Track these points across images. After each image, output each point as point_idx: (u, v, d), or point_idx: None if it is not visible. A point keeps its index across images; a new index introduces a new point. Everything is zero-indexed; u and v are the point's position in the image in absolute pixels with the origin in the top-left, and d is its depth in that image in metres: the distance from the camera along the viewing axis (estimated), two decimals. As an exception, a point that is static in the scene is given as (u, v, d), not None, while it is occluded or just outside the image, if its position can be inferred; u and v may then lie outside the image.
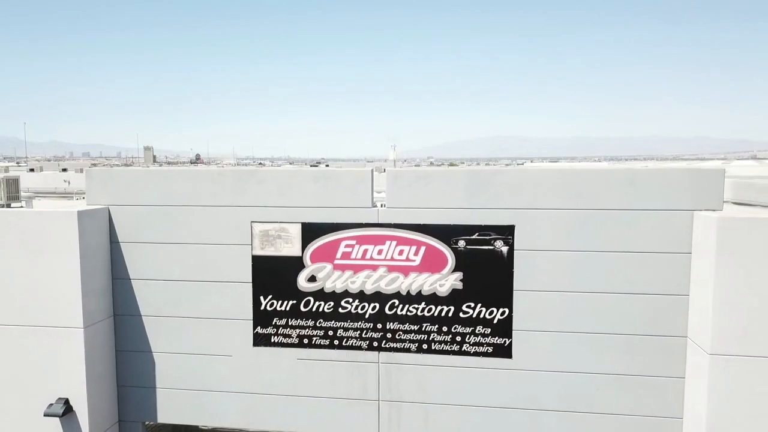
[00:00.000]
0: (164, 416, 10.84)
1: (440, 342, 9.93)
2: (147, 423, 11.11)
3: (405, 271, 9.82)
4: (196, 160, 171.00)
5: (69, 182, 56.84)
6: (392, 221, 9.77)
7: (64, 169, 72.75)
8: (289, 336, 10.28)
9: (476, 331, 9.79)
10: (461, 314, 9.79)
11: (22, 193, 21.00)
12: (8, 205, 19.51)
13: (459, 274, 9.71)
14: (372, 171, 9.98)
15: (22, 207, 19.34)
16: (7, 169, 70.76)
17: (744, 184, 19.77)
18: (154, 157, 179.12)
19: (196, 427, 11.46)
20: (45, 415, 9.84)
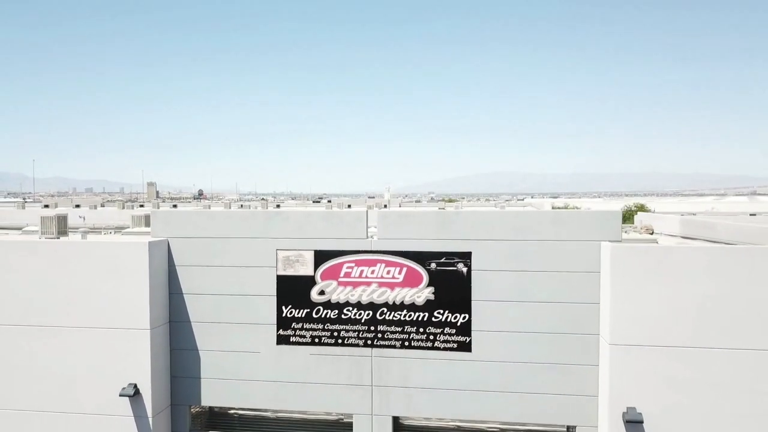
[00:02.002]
0: (206, 400, 14.32)
1: (418, 340, 13.45)
2: (192, 406, 14.55)
3: (391, 286, 13.42)
4: (199, 195, 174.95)
5: (84, 218, 60.79)
6: (382, 249, 13.41)
7: (77, 206, 76.66)
8: (304, 336, 13.82)
9: (445, 332, 13.33)
10: (433, 319, 13.34)
11: (80, 229, 24.63)
12: (58, 239, 23.16)
13: (431, 289, 13.31)
14: (366, 212, 13.69)
15: (68, 240, 22.96)
16: (23, 206, 74.79)
17: (688, 221, 23.48)
18: (157, 192, 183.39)
19: (228, 409, 14.89)
20: (120, 395, 13.33)
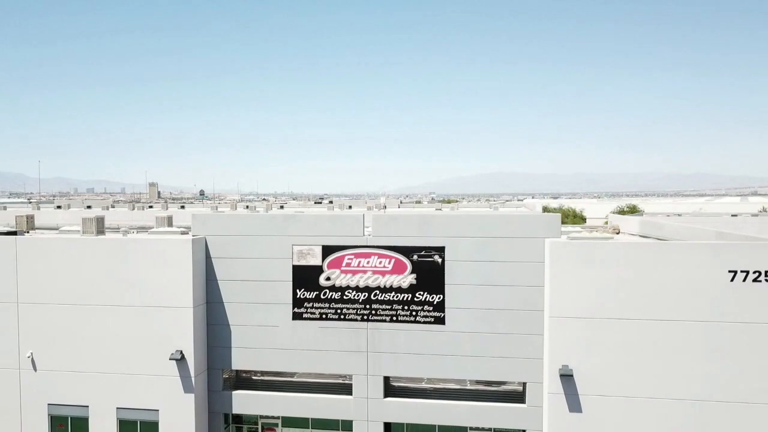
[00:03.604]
0: (236, 365, 18.36)
1: (403, 316, 17.46)
2: (224, 369, 18.57)
3: (383, 273, 17.43)
4: (201, 195, 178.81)
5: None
6: (375, 244, 17.43)
7: (89, 206, 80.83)
8: (314, 313, 17.84)
9: (424, 309, 17.35)
10: (415, 298, 17.35)
11: (120, 228, 28.67)
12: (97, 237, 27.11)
13: (414, 275, 17.32)
14: (363, 215, 17.74)
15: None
16: (37, 207, 78.72)
17: (644, 222, 27.48)
18: (159, 193, 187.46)
19: (253, 373, 18.92)
20: (170, 359, 17.36)
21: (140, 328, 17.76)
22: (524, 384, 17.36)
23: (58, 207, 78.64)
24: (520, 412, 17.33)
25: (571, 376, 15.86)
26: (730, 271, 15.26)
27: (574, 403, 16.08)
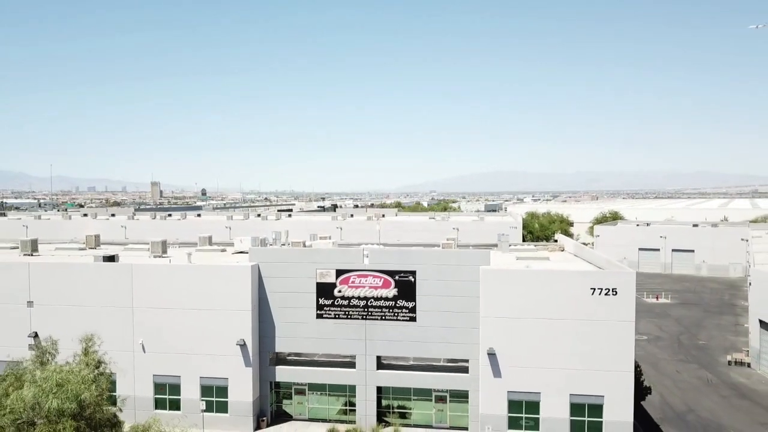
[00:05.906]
0: (278, 348, 29.08)
1: (389, 316, 28.07)
2: (269, 352, 29.21)
3: (375, 288, 28.03)
4: (203, 195, 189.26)
5: (126, 227, 75.35)
6: (371, 268, 28.02)
7: (113, 215, 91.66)
8: (330, 314, 28.46)
9: (402, 311, 27.96)
10: (397, 304, 27.96)
11: (176, 245, 39.24)
12: (160, 257, 37.67)
13: (396, 289, 27.93)
14: (363, 248, 28.26)
15: (169, 258, 37.37)
16: (68, 216, 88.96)
17: (575, 245, 38.00)
18: (161, 192, 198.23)
19: (287, 354, 29.58)
20: (236, 344, 28.02)
21: (215, 323, 28.34)
22: (468, 360, 27.89)
23: (85, 215, 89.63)
24: (466, 379, 27.92)
25: (495, 354, 26.43)
26: (591, 288, 25.79)
27: (496, 372, 26.65)
